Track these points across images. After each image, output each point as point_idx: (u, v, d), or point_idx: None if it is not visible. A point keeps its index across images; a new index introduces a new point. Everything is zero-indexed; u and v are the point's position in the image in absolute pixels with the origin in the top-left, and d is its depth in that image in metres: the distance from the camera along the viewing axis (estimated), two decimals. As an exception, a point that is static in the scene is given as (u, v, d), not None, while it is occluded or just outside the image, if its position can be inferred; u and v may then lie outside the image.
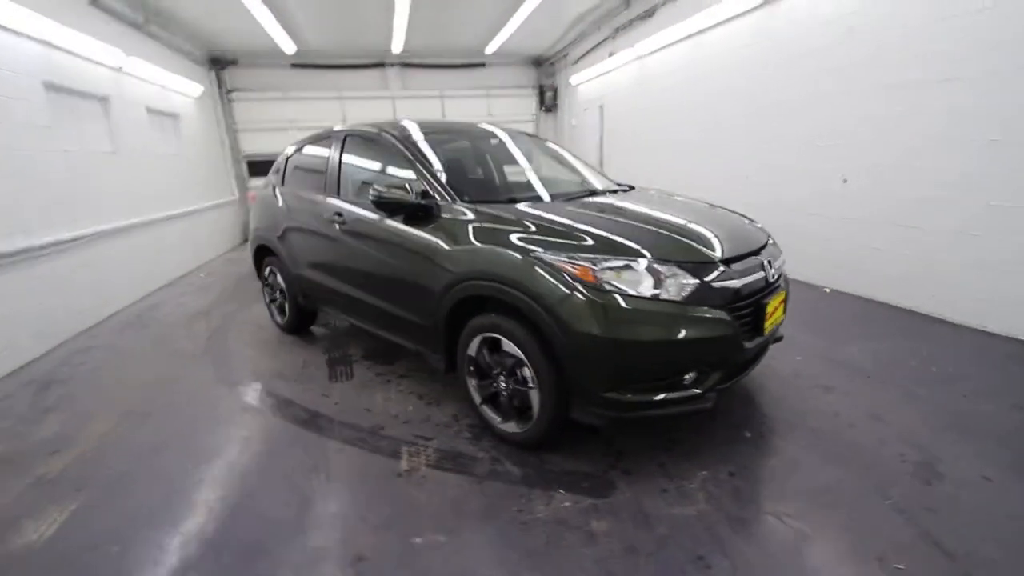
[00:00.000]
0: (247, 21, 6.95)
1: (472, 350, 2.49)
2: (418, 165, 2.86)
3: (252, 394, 3.22)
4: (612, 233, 2.20)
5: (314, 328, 4.39)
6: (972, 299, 3.63)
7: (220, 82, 9.30)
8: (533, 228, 2.29)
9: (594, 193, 3.06)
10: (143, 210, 5.91)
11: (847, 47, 4.28)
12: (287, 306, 4.13)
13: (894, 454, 2.29)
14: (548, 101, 10.91)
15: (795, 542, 1.81)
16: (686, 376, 2.08)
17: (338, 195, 3.38)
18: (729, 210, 2.99)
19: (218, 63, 9.17)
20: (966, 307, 3.68)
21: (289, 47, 8.40)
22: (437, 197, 2.67)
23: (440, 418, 2.81)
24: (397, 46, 8.93)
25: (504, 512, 2.02)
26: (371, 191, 2.73)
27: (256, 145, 9.85)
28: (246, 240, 9.95)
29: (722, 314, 2.08)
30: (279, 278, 4.11)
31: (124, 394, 3.27)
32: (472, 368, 2.55)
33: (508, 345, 2.30)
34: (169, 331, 4.53)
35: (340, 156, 3.44)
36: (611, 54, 8.28)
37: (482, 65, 10.60)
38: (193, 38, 7.94)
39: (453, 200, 2.64)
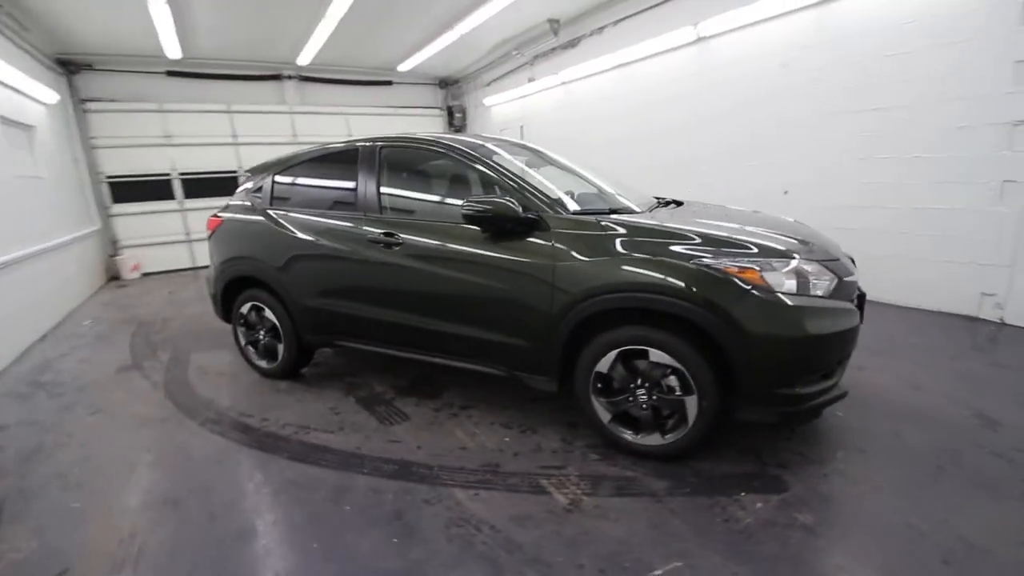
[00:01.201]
0: (117, 17, 5.86)
1: (604, 366, 2.39)
2: (509, 179, 2.67)
3: (305, 453, 2.66)
4: (756, 237, 2.30)
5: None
6: (897, 282, 4.48)
7: (72, 89, 7.59)
8: (680, 237, 2.29)
9: (665, 204, 3.15)
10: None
11: (783, 81, 5.06)
12: (281, 346, 3.50)
13: (956, 414, 2.72)
14: (458, 122, 10.90)
15: (953, 486, 2.06)
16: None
17: (381, 213, 3.00)
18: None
19: (68, 66, 7.49)
20: (894, 289, 4.53)
21: (174, 51, 7.22)
22: (547, 210, 2.53)
23: (549, 444, 2.62)
24: (306, 57, 8.23)
25: (713, 525, 1.96)
26: (466, 206, 2.51)
27: (121, 164, 8.18)
28: (114, 278, 8.26)
29: (852, 307, 2.31)
30: (269, 314, 3.48)
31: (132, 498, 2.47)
32: (599, 385, 2.44)
33: (657, 355, 2.25)
34: (101, 396, 3.53)
35: (379, 172, 3.06)
36: (531, 79, 8.61)
37: (388, 83, 10.24)
38: (42, 33, 6.40)
39: (564, 212, 2.53)
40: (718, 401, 2.19)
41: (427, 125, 10.90)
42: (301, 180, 3.48)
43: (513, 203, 2.46)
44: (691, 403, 2.24)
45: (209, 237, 3.82)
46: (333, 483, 2.38)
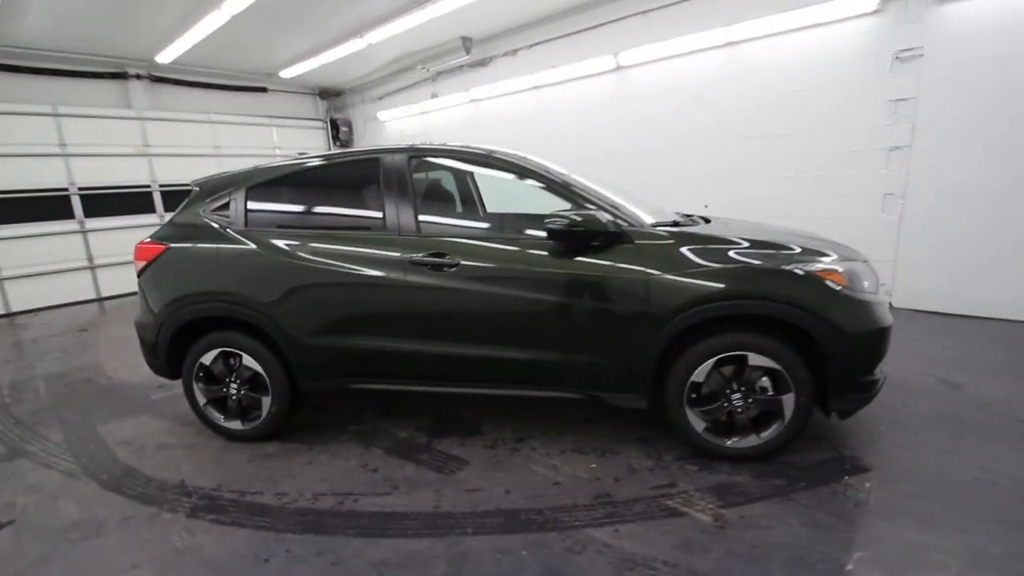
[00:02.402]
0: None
1: (700, 375, 2.41)
2: (576, 193, 2.55)
3: (377, 525, 2.16)
4: (823, 245, 2.54)
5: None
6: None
7: None
8: (765, 245, 2.42)
9: (701, 218, 3.22)
10: None
11: (696, 110, 5.72)
12: (267, 400, 2.84)
13: (925, 381, 3.31)
14: (344, 136, 10.12)
15: (976, 441, 2.51)
16: None
17: (419, 232, 2.63)
18: None
19: None
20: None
21: (-20, 32, 5.49)
22: (626, 222, 2.47)
23: (641, 463, 2.54)
24: (169, 55, 6.90)
25: (850, 510, 2.09)
26: (552, 220, 2.34)
27: None
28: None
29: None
30: (249, 362, 2.80)
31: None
32: (693, 395, 2.45)
33: (756, 359, 2.35)
34: (-7, 503, 2.47)
35: (411, 185, 2.68)
36: (434, 95, 8.43)
37: (263, 90, 9.11)
38: None
39: (643, 225, 2.49)
40: (812, 395, 2.36)
41: (307, 138, 9.93)
42: (293, 196, 2.90)
43: (602, 217, 2.37)
44: (788, 401, 2.37)
45: (141, 271, 2.94)
46: (444, 554, 1.98)
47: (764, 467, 2.44)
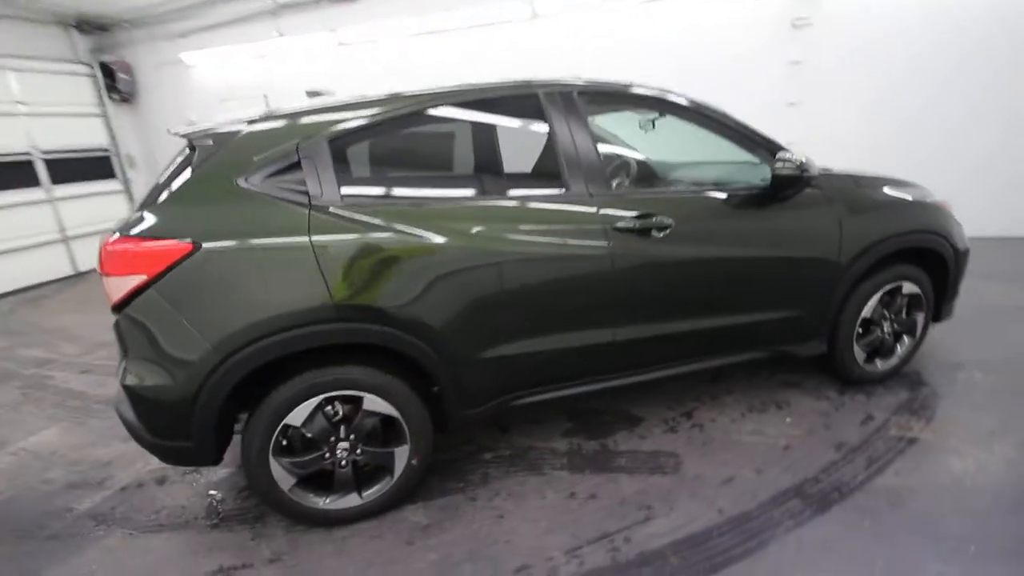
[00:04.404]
0: None
1: (868, 311, 2.53)
2: (751, 135, 2.32)
3: (700, 559, 1.70)
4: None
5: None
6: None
7: None
8: (897, 181, 2.60)
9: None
10: None
11: (621, 68, 5.81)
12: (407, 450, 1.96)
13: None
14: (125, 87, 7.33)
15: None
16: None
17: (609, 188, 2.06)
18: None
19: None
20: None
21: None
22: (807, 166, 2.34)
23: (821, 406, 2.56)
24: None
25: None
26: (782, 165, 2.10)
27: None
28: None
29: None
30: (379, 405, 1.87)
31: None
32: (860, 331, 2.56)
33: (908, 287, 2.56)
34: None
35: (590, 131, 2.04)
36: (280, 33, 6.70)
37: (-24, 10, 5.90)
38: None
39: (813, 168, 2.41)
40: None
41: (63, 89, 6.91)
42: (410, 149, 1.97)
43: (801, 159, 2.22)
44: (921, 319, 2.67)
45: (136, 293, 1.64)
46: (816, 557, 1.70)
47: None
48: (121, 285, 1.65)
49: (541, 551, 1.81)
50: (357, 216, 1.78)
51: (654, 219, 2.05)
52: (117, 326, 1.71)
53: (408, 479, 2.01)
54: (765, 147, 2.31)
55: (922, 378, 2.75)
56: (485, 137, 2.24)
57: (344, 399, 1.86)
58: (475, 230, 1.88)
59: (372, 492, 1.98)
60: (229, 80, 7.23)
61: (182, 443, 1.74)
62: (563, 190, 2.01)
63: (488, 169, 2.21)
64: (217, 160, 1.75)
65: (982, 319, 3.34)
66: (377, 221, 1.79)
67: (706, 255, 2.18)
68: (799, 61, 5.31)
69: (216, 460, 1.84)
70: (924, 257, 2.56)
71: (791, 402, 2.63)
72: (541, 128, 2.04)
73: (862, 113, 5.30)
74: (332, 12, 6.41)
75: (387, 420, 1.92)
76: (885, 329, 2.62)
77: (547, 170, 2.04)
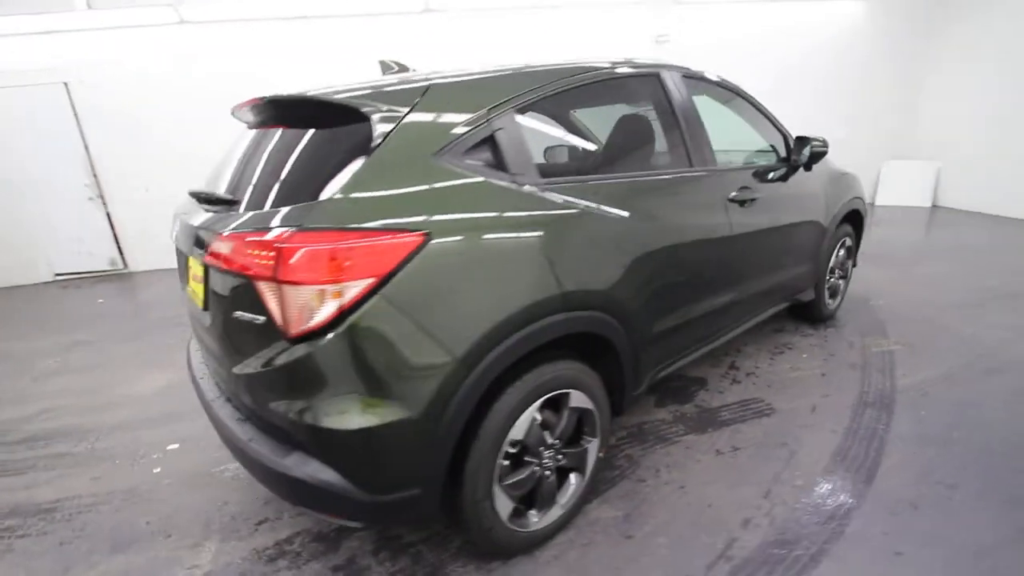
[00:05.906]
0: None
1: (834, 260, 3.25)
2: (772, 119, 2.76)
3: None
4: None
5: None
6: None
7: None
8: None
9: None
10: None
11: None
12: (597, 444, 1.86)
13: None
14: None
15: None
16: None
17: (717, 165, 2.25)
18: None
19: None
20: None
21: None
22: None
23: (807, 340, 3.18)
24: None
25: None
26: (818, 145, 2.60)
27: None
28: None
29: None
30: (580, 400, 1.74)
31: None
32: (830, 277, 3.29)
33: (848, 241, 3.38)
34: None
35: (695, 110, 2.18)
36: (89, 6, 5.15)
37: None
38: None
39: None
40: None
41: None
42: (575, 124, 1.83)
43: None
44: (850, 264, 3.53)
45: (362, 300, 1.22)
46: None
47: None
48: (322, 296, 1.20)
49: (744, 502, 1.91)
50: (557, 196, 1.62)
51: (749, 190, 2.32)
52: (290, 360, 1.24)
53: (593, 476, 1.89)
54: (780, 131, 2.77)
55: (850, 309, 3.63)
56: (663, 113, 2.18)
57: (549, 399, 1.67)
58: (653, 205, 1.88)
59: (568, 497, 1.81)
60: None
61: (409, 492, 1.35)
62: (687, 166, 2.13)
63: (657, 146, 2.19)
64: (407, 134, 1.40)
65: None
66: (577, 200, 1.66)
67: (777, 222, 2.55)
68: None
69: (441, 507, 1.47)
70: (852, 217, 3.39)
71: (792, 344, 3.20)
72: (656, 106, 2.14)
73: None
74: (168, -18, 5.19)
75: (579, 415, 1.78)
76: (837, 274, 3.38)
77: (675, 144, 2.14)
